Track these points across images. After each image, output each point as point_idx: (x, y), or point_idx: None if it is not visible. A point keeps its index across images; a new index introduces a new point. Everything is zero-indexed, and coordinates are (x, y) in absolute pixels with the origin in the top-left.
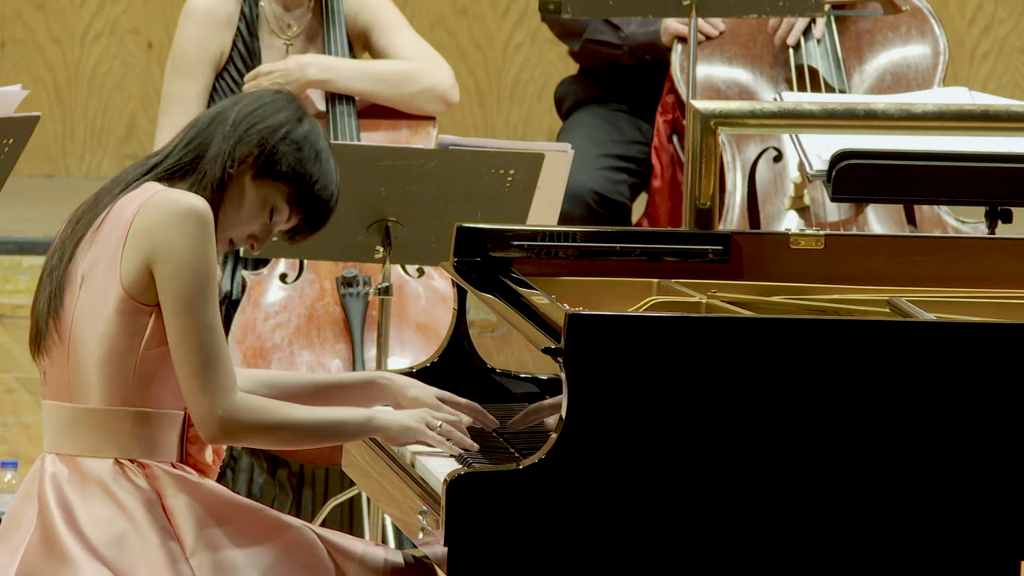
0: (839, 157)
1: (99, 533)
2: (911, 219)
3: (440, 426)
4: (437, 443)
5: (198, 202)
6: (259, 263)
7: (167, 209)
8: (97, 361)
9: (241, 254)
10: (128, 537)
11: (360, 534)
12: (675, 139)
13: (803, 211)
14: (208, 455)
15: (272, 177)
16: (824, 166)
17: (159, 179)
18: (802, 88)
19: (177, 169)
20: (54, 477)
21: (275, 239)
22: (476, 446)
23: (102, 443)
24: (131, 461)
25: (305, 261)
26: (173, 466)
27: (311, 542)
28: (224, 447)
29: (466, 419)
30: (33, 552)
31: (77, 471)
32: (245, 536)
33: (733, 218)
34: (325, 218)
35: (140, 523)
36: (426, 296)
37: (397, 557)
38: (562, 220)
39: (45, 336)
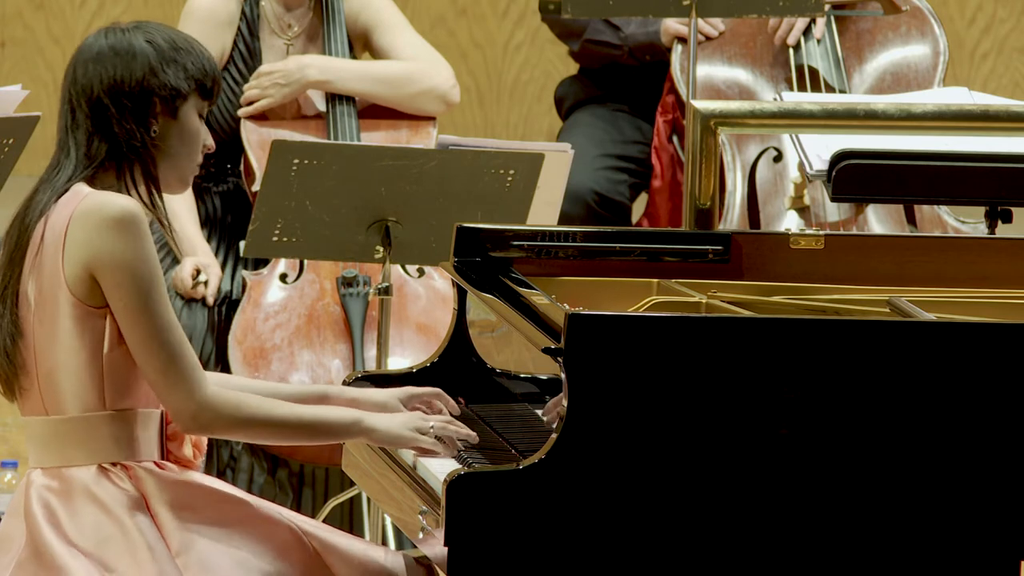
0: (839, 157)
1: (87, 538)
2: (911, 219)
3: (432, 427)
4: (431, 446)
5: (125, 203)
6: (259, 263)
7: (96, 219)
8: (64, 372)
9: (241, 254)
10: (115, 539)
11: (360, 534)
12: (675, 139)
13: (803, 211)
14: (188, 450)
15: (181, 101)
16: (824, 166)
17: (86, 179)
18: (802, 88)
19: (97, 167)
20: (40, 490)
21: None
22: (476, 437)
23: (84, 450)
24: (114, 464)
25: (305, 261)
26: (157, 464)
27: (297, 536)
28: (204, 441)
29: (455, 412)
30: (25, 567)
31: (62, 482)
32: (231, 530)
33: (733, 218)
34: (218, 82)
35: (127, 525)
36: (426, 296)
37: (397, 558)
38: (562, 220)
39: (13, 382)
